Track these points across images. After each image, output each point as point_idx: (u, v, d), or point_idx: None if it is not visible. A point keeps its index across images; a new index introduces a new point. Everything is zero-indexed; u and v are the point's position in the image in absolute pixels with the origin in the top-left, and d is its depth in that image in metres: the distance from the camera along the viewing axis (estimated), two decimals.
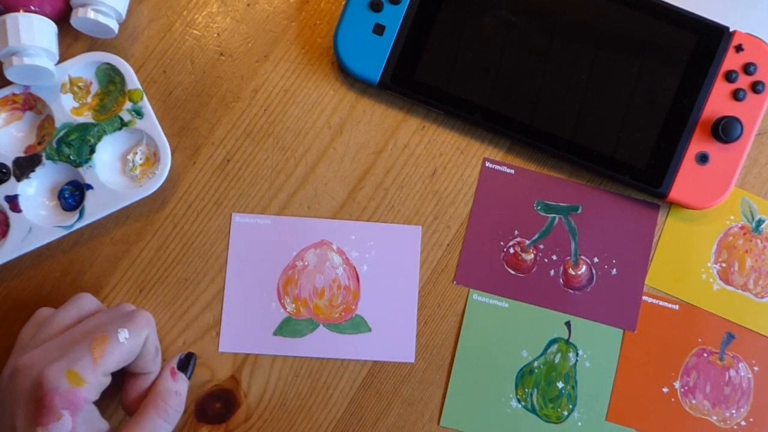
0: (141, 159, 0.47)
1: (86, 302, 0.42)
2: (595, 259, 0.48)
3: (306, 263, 0.47)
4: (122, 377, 0.42)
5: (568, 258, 0.48)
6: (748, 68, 0.46)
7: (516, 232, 0.48)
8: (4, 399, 0.38)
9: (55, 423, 0.36)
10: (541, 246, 0.48)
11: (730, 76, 0.46)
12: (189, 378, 0.43)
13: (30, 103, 0.46)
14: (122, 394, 0.42)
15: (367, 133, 0.48)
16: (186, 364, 0.43)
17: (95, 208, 0.45)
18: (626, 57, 0.46)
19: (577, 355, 0.47)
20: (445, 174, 0.48)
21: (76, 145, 0.45)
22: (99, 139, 0.45)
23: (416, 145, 0.48)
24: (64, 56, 0.46)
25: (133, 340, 0.39)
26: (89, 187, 0.45)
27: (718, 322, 0.48)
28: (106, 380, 0.38)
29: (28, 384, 0.37)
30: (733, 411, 0.47)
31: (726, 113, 0.46)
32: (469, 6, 0.46)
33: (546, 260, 0.48)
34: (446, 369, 0.47)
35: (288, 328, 0.47)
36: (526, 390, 0.47)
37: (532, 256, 0.48)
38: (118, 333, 0.38)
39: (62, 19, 0.45)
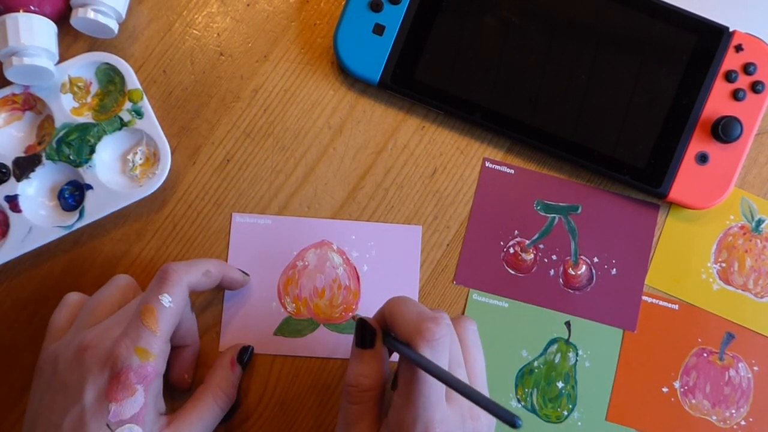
0: (141, 159, 0.47)
1: (123, 281, 0.43)
2: (595, 259, 0.48)
3: (306, 263, 0.47)
4: None
5: (568, 258, 0.48)
6: (748, 68, 0.46)
7: (516, 232, 0.48)
8: (66, 376, 0.38)
9: (129, 398, 0.37)
10: (541, 246, 0.48)
11: (729, 76, 0.46)
12: (244, 370, 0.45)
13: (30, 103, 0.46)
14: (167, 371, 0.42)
15: (367, 133, 0.48)
16: (244, 355, 0.45)
17: (95, 208, 0.45)
18: (626, 57, 0.46)
19: (576, 355, 0.47)
20: (445, 174, 0.48)
21: (76, 145, 0.45)
22: (99, 139, 0.45)
23: (416, 145, 0.48)
24: (64, 56, 0.46)
25: (177, 300, 0.39)
26: (89, 187, 0.45)
27: (717, 321, 0.48)
28: (168, 348, 0.39)
29: (98, 361, 0.37)
30: (733, 411, 0.47)
31: (726, 113, 0.46)
32: (469, 6, 0.46)
33: (546, 260, 0.48)
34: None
35: (288, 327, 0.47)
36: (526, 390, 0.47)
37: (532, 256, 0.48)
38: (161, 299, 0.39)
39: (62, 19, 0.45)
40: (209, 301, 0.47)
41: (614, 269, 0.48)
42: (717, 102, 0.46)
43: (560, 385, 0.47)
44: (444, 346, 0.37)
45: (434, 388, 0.36)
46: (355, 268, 0.47)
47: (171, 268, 0.40)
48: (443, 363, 0.37)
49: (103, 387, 0.37)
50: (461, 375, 0.39)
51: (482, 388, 0.40)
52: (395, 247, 0.48)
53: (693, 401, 0.47)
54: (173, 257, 0.47)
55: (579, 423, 0.47)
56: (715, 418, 0.47)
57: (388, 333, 0.40)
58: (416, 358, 0.36)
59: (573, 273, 0.48)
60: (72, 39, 0.47)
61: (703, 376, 0.47)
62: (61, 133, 0.45)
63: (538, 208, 0.48)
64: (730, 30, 0.46)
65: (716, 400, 0.47)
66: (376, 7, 0.46)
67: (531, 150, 0.48)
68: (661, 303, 0.48)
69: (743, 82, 0.46)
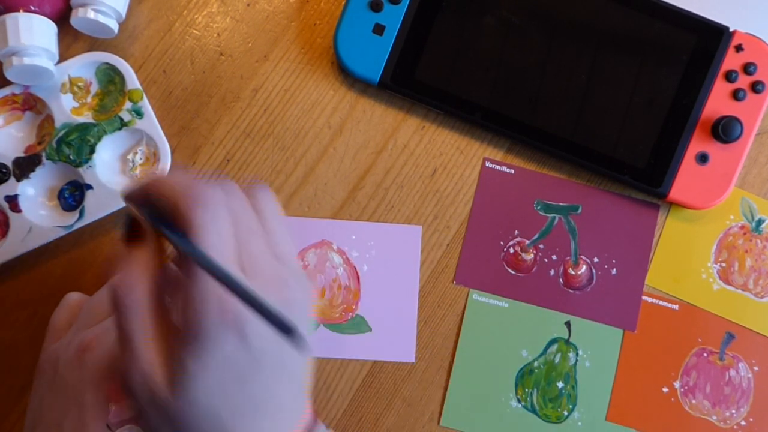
0: (141, 159, 0.47)
1: None
2: (595, 259, 0.48)
3: (306, 263, 0.47)
4: None
5: (568, 258, 0.48)
6: (748, 68, 0.46)
7: (516, 231, 0.48)
8: (67, 376, 0.38)
9: (129, 399, 0.36)
10: (541, 246, 0.48)
11: (730, 76, 0.46)
12: None
13: (30, 103, 0.46)
14: None
15: (367, 133, 0.48)
16: None
17: (95, 208, 0.45)
18: (626, 57, 0.46)
19: (577, 355, 0.47)
20: (445, 174, 0.48)
21: (76, 145, 0.45)
22: (99, 139, 0.45)
23: (416, 145, 0.48)
24: (64, 56, 0.46)
25: None
26: (89, 187, 0.45)
27: (718, 321, 0.48)
28: None
29: (99, 360, 0.37)
30: (733, 411, 0.47)
31: (726, 113, 0.46)
32: (469, 6, 0.46)
33: (546, 260, 0.48)
34: (446, 369, 0.47)
35: None
36: (526, 390, 0.47)
37: (532, 256, 0.48)
38: None
39: (62, 19, 0.45)
40: None
41: (614, 269, 0.48)
42: (717, 102, 0.46)
43: (560, 385, 0.47)
44: (217, 209, 0.30)
45: (222, 257, 0.30)
46: (355, 268, 0.47)
47: None
48: (222, 235, 0.30)
49: (103, 387, 0.37)
50: (258, 244, 0.32)
51: (292, 263, 0.34)
52: (395, 247, 0.47)
53: (693, 401, 0.47)
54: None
55: (579, 423, 0.47)
56: (715, 418, 0.47)
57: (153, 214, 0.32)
58: (183, 245, 0.29)
59: (573, 273, 0.48)
60: (72, 39, 0.47)
61: (704, 376, 0.47)
62: (61, 133, 0.45)
63: (538, 208, 0.48)
64: (730, 30, 0.46)
65: (716, 400, 0.47)
66: (376, 7, 0.46)
67: (531, 150, 0.48)
68: (661, 303, 0.48)
69: (743, 82, 0.46)
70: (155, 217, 0.31)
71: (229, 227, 0.31)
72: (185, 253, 0.29)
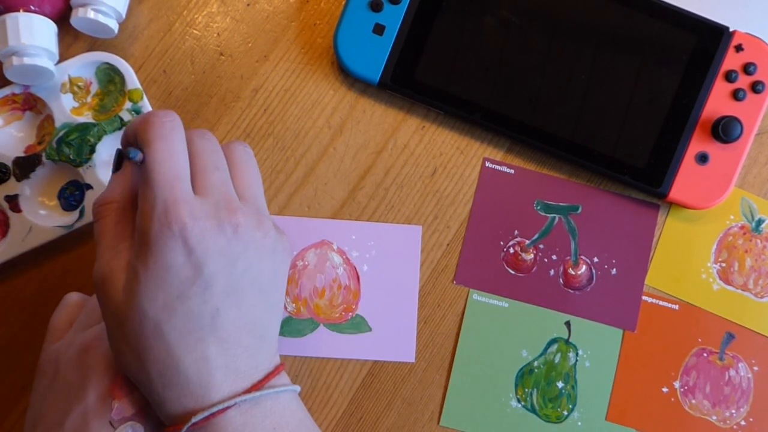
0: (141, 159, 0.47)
1: None
2: (595, 259, 0.48)
3: (306, 263, 0.47)
4: None
5: (568, 258, 0.48)
6: (748, 68, 0.46)
7: (516, 231, 0.48)
8: (68, 376, 0.38)
9: (131, 395, 0.37)
10: (541, 246, 0.48)
11: (730, 76, 0.46)
12: None
13: (30, 103, 0.46)
14: None
15: (367, 133, 0.48)
16: None
17: None
18: (626, 57, 0.46)
19: (576, 354, 0.47)
20: (445, 174, 0.48)
21: (76, 144, 0.45)
22: (99, 139, 0.45)
23: (416, 145, 0.48)
24: (64, 56, 0.46)
25: None
26: (89, 187, 0.45)
27: (717, 321, 0.48)
28: None
29: (100, 360, 0.37)
30: (733, 411, 0.47)
31: (726, 113, 0.46)
32: (469, 6, 0.46)
33: (546, 260, 0.48)
34: (446, 369, 0.47)
35: (288, 327, 0.47)
36: (526, 390, 0.47)
37: (532, 256, 0.48)
38: None
39: (62, 19, 0.45)
40: None
41: (614, 269, 0.48)
42: (717, 102, 0.46)
43: (560, 385, 0.47)
44: (173, 130, 0.35)
45: (171, 170, 0.34)
46: (355, 268, 0.47)
47: None
48: (172, 153, 0.34)
49: (105, 385, 0.37)
50: (220, 177, 0.36)
51: (257, 205, 0.37)
52: (395, 247, 0.47)
53: (693, 401, 0.47)
54: None
55: (579, 423, 0.47)
56: (715, 418, 0.47)
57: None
58: (132, 155, 0.35)
59: (573, 273, 0.48)
60: (72, 39, 0.47)
61: (703, 376, 0.47)
62: (61, 133, 0.45)
63: (538, 208, 0.48)
64: (730, 30, 0.46)
65: (716, 400, 0.47)
66: (376, 7, 0.46)
67: (531, 150, 0.48)
68: (661, 303, 0.48)
69: (743, 82, 0.46)
70: (124, 144, 0.37)
71: (183, 152, 0.35)
72: (133, 161, 0.35)
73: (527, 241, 0.48)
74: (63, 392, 0.38)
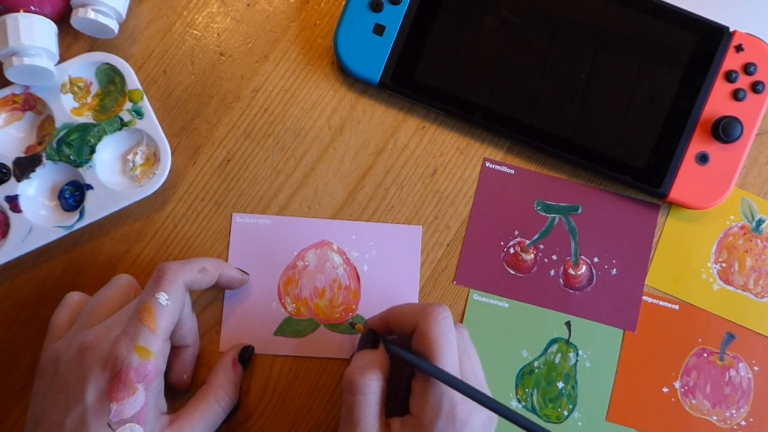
0: (141, 159, 0.47)
1: (124, 281, 0.43)
2: (595, 259, 0.48)
3: (306, 263, 0.47)
4: None
5: (568, 258, 0.48)
6: (748, 68, 0.46)
7: (516, 232, 0.48)
8: (68, 376, 0.38)
9: (129, 397, 0.37)
10: (541, 246, 0.48)
11: (730, 76, 0.46)
12: (245, 369, 0.45)
13: (30, 103, 0.46)
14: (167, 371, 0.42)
15: (367, 133, 0.48)
16: (245, 354, 0.45)
17: (95, 208, 0.45)
18: (626, 57, 0.46)
19: (577, 355, 0.47)
20: (445, 174, 0.48)
21: (76, 145, 0.45)
22: (99, 139, 0.45)
23: (416, 145, 0.48)
24: (64, 56, 0.46)
25: (174, 298, 0.39)
26: (89, 187, 0.45)
27: (718, 322, 0.48)
28: (168, 346, 0.40)
29: (99, 360, 0.37)
30: (733, 411, 0.47)
31: (726, 113, 0.46)
32: (469, 6, 0.46)
33: (546, 260, 0.48)
34: None
35: (288, 327, 0.47)
36: (526, 390, 0.47)
37: (532, 256, 0.48)
38: (158, 298, 0.39)
39: (62, 19, 0.45)
40: (209, 301, 0.47)
41: (614, 269, 0.48)
42: (717, 102, 0.46)
43: (560, 385, 0.47)
44: (450, 326, 0.38)
45: (452, 368, 0.38)
46: (356, 268, 0.47)
47: (166, 266, 0.40)
48: (452, 341, 0.38)
49: (104, 386, 0.37)
50: (474, 365, 0.40)
51: (484, 389, 0.41)
52: (395, 247, 0.48)
53: (693, 401, 0.47)
54: (173, 257, 0.47)
55: (579, 423, 0.47)
56: (715, 418, 0.47)
57: (389, 340, 0.41)
58: (419, 362, 0.37)
59: (573, 273, 0.48)
60: (72, 39, 0.47)
61: (704, 376, 0.47)
62: (62, 133, 0.45)
63: (538, 208, 0.48)
64: (730, 30, 0.46)
65: (716, 400, 0.47)
66: (376, 7, 0.46)
67: (531, 150, 0.48)
68: (661, 303, 0.48)
69: (743, 82, 0.46)
70: (393, 345, 0.41)
71: (457, 353, 0.39)
72: (429, 373, 0.38)
73: (527, 241, 0.48)
74: (63, 392, 0.38)
